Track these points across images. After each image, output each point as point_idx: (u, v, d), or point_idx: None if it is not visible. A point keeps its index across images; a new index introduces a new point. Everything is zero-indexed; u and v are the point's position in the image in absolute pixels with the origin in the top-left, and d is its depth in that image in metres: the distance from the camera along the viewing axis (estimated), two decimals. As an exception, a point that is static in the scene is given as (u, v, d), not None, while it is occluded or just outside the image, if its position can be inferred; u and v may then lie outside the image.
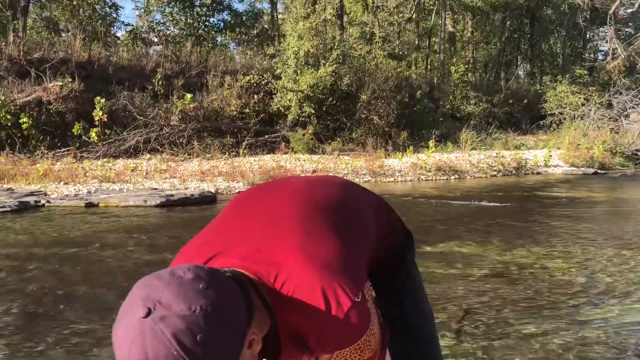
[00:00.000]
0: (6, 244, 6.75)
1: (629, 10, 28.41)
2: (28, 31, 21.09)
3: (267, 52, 18.29)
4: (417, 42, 28.77)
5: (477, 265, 5.83)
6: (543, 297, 4.76)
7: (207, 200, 10.37)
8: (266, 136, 17.00)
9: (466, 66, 28.22)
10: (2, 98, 14.16)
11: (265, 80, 17.39)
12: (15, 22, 17.97)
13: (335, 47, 18.65)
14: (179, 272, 0.96)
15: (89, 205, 9.59)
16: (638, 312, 4.34)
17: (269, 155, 15.71)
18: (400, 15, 23.28)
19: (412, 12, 27.21)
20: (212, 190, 11.34)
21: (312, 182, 1.45)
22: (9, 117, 14.00)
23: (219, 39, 23.41)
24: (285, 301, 1.08)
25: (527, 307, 4.52)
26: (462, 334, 3.92)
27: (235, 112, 17.13)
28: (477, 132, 20.13)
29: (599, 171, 17.37)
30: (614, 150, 19.68)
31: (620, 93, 22.74)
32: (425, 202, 10.69)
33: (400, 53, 24.44)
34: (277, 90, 17.57)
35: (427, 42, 29.68)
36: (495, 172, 16.17)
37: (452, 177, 15.22)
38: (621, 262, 5.94)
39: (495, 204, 10.22)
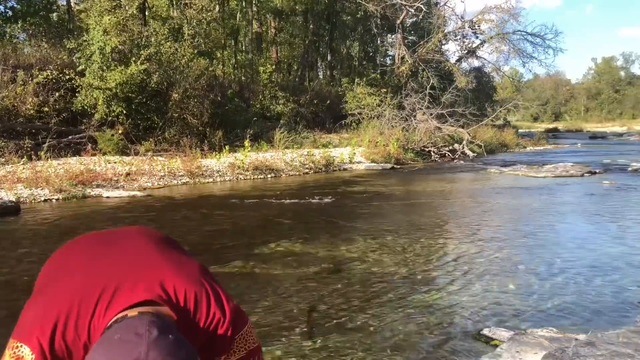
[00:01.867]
0: None
1: (412, 20, 31.84)
2: None
3: (68, 46, 16.82)
4: (223, 41, 28.84)
5: (309, 263, 6.17)
6: (372, 289, 5.25)
7: (9, 210, 9.30)
8: (70, 137, 15.67)
9: (273, 66, 29.08)
10: None
11: (67, 77, 15.99)
12: None
13: (143, 43, 17.90)
14: (141, 329, 1.10)
15: None
16: (455, 295, 5.04)
17: (75, 158, 14.53)
18: (209, 13, 23.11)
19: (219, 11, 27.20)
20: (13, 199, 10.19)
21: (139, 228, 1.71)
22: None
23: (13, 32, 20.85)
24: (191, 311, 1.31)
25: (361, 299, 4.95)
26: (308, 333, 4.18)
27: (32, 111, 15.48)
28: (288, 131, 20.94)
29: (395, 166, 19.28)
30: (406, 147, 21.99)
31: (409, 95, 25.48)
32: (249, 203, 10.88)
33: (209, 51, 24.33)
34: (81, 88, 16.29)
35: (234, 41, 29.95)
36: (308, 170, 17.03)
37: (269, 176, 15.68)
38: (431, 250, 6.78)
39: (313, 200, 10.83)
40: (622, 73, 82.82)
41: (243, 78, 26.86)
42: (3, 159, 13.37)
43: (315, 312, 4.64)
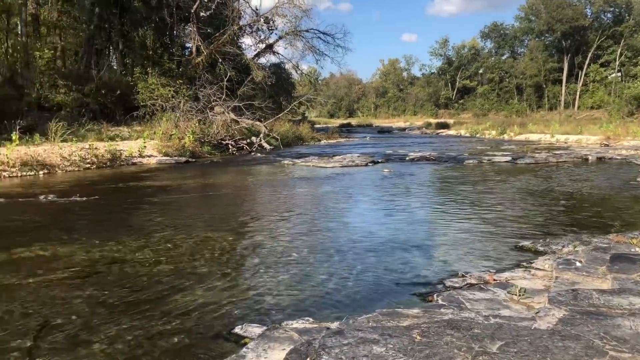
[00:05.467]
0: None
1: (208, 12, 31.16)
2: None
3: None
4: (-8, 20, 25.21)
5: (61, 268, 5.34)
6: (129, 293, 4.65)
7: None
8: None
9: (53, 53, 26.22)
10: None
11: None
12: None
13: None
14: None
15: None
16: (219, 291, 4.66)
17: None
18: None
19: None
20: None
21: None
22: None
23: None
24: None
25: (113, 306, 4.33)
26: (36, 352, 3.47)
27: None
28: (69, 123, 18.92)
29: (190, 160, 18.57)
30: (203, 140, 21.37)
31: (205, 87, 24.81)
32: (5, 202, 9.39)
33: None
34: None
35: (7, 22, 26.34)
36: (89, 165, 15.52)
37: (41, 172, 13.91)
38: (205, 246, 6.34)
39: (86, 198, 9.73)
40: (405, 74, 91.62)
41: (17, 65, 23.73)
42: None
43: (48, 326, 3.91)
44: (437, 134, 43.99)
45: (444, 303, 4.03)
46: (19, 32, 26.28)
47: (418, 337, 3.17)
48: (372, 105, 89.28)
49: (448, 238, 6.74)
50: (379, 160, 17.78)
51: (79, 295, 4.60)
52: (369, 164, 16.92)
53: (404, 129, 56.21)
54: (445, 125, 50.10)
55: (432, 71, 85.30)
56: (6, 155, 13.53)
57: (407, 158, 18.74)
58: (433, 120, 59.18)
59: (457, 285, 4.64)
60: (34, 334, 3.74)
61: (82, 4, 28.34)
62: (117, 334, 3.74)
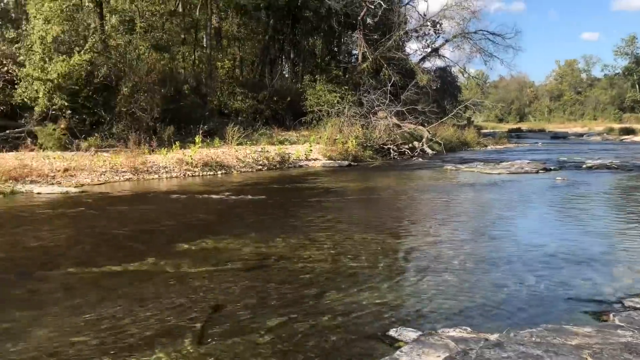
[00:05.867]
0: None
1: (375, 19, 31.64)
2: None
3: (7, 36, 16.01)
4: (183, 36, 28.13)
5: (232, 260, 5.74)
6: (290, 287, 4.84)
7: None
8: (7, 132, 14.89)
9: (232, 62, 28.49)
10: None
11: (5, 68, 15.20)
12: None
13: (91, 34, 17.18)
14: None
15: None
16: (376, 293, 4.65)
17: (11, 153, 13.76)
18: (163, 5, 22.42)
19: (177, 4, 26.53)
20: None
21: None
22: None
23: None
24: None
25: (274, 298, 4.54)
26: (206, 334, 3.75)
27: (-34, 104, 14.68)
28: (245, 127, 20.41)
29: (352, 163, 18.95)
30: (365, 144, 21.69)
31: (369, 92, 25.19)
32: (191, 199, 10.38)
33: (165, 45, 23.61)
34: (20, 80, 15.49)
35: (194, 36, 29.25)
36: (261, 167, 16.56)
37: (219, 173, 15.15)
38: (364, 247, 6.39)
39: (257, 197, 10.38)
40: (584, 75, 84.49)
41: (202, 75, 26.21)
42: None
43: (218, 312, 4.21)
44: (621, 140, 39.84)
45: (621, 324, 3.59)
46: (204, 45, 29.02)
47: (589, 359, 2.85)
48: (546, 109, 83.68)
49: (630, 254, 6.02)
50: (552, 168, 16.54)
51: (245, 286, 4.89)
52: (540, 171, 15.82)
53: (581, 135, 51.74)
54: (631, 131, 45.19)
55: (617, 72, 77.46)
56: (190, 156, 14.96)
57: (584, 166, 17.20)
58: (616, 126, 53.69)
59: (638, 306, 4.11)
60: (205, 319, 4.04)
61: (259, 17, 30.42)
62: (279, 326, 3.90)
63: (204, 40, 28.72)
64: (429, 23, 31.60)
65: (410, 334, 3.48)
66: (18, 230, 7.40)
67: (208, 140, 17.89)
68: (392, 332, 3.57)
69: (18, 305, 4.39)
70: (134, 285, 4.87)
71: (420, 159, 21.30)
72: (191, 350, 3.47)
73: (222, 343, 3.60)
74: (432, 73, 31.15)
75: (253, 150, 17.33)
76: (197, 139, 16.41)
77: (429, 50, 33.32)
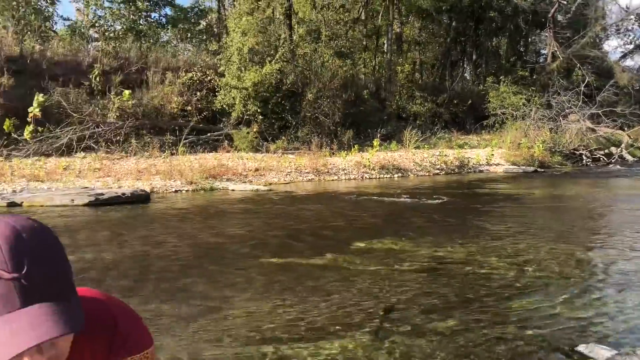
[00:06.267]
0: None
1: (568, 16, 29.36)
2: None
3: (210, 49, 17.87)
4: (365, 42, 28.85)
5: (407, 261, 5.73)
6: (470, 292, 4.68)
7: (140, 199, 9.96)
8: (208, 134, 16.59)
9: (412, 66, 28.47)
10: None
11: (209, 77, 16.97)
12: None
13: (281, 44, 18.43)
14: None
15: (12, 204, 9.05)
16: (563, 305, 4.30)
17: (211, 154, 15.32)
18: (347, 14, 23.21)
19: (360, 12, 27.27)
20: (147, 189, 10.91)
21: None
22: None
23: (164, 37, 22.77)
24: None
25: (452, 302, 4.42)
26: (382, 332, 3.78)
27: (176, 110, 16.65)
28: (422, 131, 20.28)
29: (538, 169, 17.75)
30: (553, 150, 20.18)
31: (559, 94, 23.39)
32: (367, 200, 10.60)
33: (347, 52, 24.41)
34: (220, 88, 17.18)
35: (376, 42, 29.83)
36: (438, 171, 16.29)
37: (396, 176, 15.24)
38: (552, 257, 5.95)
39: (434, 201, 10.23)
40: None
41: (382, 80, 26.62)
42: (147, 153, 14.48)
43: (394, 311, 4.23)
44: None
45: None
46: (385, 50, 29.43)
47: None
48: None
49: None
50: None
51: (421, 288, 4.84)
52: None
53: None
54: None
55: None
56: (368, 159, 15.27)
57: None
58: None
59: None
60: (381, 316, 4.08)
61: (440, 20, 30.04)
62: (455, 330, 3.79)
63: (385, 45, 29.12)
64: (632, 17, 28.46)
65: (603, 351, 3.14)
66: (218, 222, 8.19)
67: (386, 144, 18.11)
68: (581, 348, 3.26)
69: (219, 286, 4.86)
70: (314, 278, 5.10)
71: (618, 167, 19.22)
72: (368, 344, 3.53)
73: (398, 341, 3.60)
74: (635, 72, 27.97)
75: (431, 154, 17.13)
76: (375, 142, 16.71)
77: (631, 46, 30.03)
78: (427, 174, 15.90)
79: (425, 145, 18.31)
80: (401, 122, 22.20)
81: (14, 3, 18.50)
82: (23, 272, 0.85)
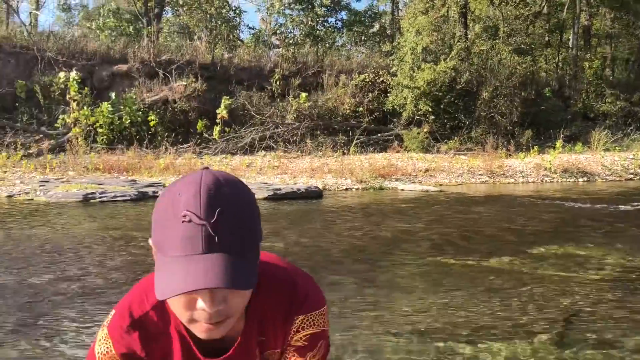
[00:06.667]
0: (106, 226, 7.13)
1: None
2: (164, 37, 22.64)
3: (383, 49, 18.02)
4: (547, 37, 26.94)
5: (593, 269, 5.19)
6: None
7: (313, 195, 10.38)
8: (379, 135, 16.75)
9: (601, 62, 25.92)
10: (134, 97, 15.29)
11: (380, 78, 17.14)
12: (149, 27, 19.33)
13: (456, 43, 17.97)
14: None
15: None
16: None
17: (380, 154, 15.44)
18: (528, 8, 21.85)
19: (542, 6, 25.52)
20: (320, 186, 11.31)
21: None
22: (139, 114, 15.08)
23: (339, 41, 23.53)
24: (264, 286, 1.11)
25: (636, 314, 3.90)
26: (564, 340, 3.45)
27: (348, 111, 17.08)
28: (613, 132, 18.35)
29: None
30: None
31: None
32: (547, 204, 9.86)
33: (527, 48, 22.97)
34: (391, 88, 17.25)
35: (559, 37, 27.70)
36: (632, 175, 14.59)
37: (580, 180, 13.97)
38: None
39: (627, 207, 9.17)
40: None
41: (565, 77, 24.63)
42: (321, 152, 15.05)
43: (576, 318, 3.85)
44: None
45: None
46: (570, 46, 27.18)
47: None
48: None
49: None
50: None
51: (606, 297, 4.36)
52: None
53: None
54: None
55: None
56: (549, 161, 14.20)
57: None
58: None
59: None
60: (562, 322, 3.74)
61: (637, 9, 26.93)
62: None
63: (570, 40, 26.89)
64: None
65: None
66: (390, 219, 8.22)
67: (569, 145, 16.71)
68: None
69: (379, 283, 4.85)
70: (489, 279, 4.84)
71: None
72: (547, 349, 3.26)
73: (578, 350, 3.26)
74: None
75: (623, 157, 15.43)
76: (558, 143, 15.51)
77: None
78: (618, 178, 14.35)
79: (617, 148, 16.53)
80: (587, 122, 20.31)
81: (208, 15, 20.41)
82: (212, 220, 0.89)
